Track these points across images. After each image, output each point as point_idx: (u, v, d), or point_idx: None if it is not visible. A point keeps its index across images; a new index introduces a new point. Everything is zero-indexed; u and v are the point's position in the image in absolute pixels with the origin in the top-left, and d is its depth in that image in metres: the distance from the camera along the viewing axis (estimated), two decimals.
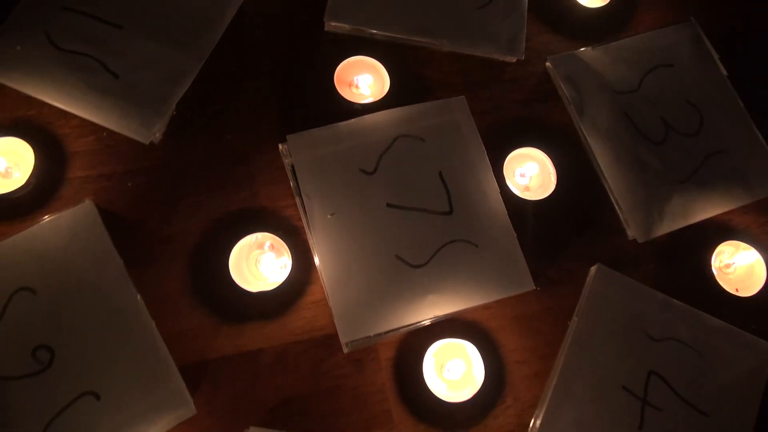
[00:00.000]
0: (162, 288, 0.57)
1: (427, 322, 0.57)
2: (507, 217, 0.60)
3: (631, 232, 0.63)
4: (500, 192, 0.61)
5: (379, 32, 0.66)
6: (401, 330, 0.57)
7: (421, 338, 0.58)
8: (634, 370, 0.58)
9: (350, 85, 0.65)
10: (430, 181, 0.61)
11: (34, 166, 0.59)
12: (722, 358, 0.59)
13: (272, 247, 0.59)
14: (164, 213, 0.59)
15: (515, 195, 0.63)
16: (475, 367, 0.57)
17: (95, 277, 0.55)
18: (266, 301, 0.57)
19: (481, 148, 0.63)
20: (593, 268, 0.61)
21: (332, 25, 0.66)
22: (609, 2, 0.71)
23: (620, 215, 0.63)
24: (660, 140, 0.66)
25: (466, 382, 0.57)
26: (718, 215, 0.64)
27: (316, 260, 0.58)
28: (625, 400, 0.57)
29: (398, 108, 0.63)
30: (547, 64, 0.68)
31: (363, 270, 0.58)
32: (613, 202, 0.64)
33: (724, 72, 0.69)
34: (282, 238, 0.59)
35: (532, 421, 0.56)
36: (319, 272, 0.58)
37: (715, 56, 0.69)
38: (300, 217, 0.60)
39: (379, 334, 0.56)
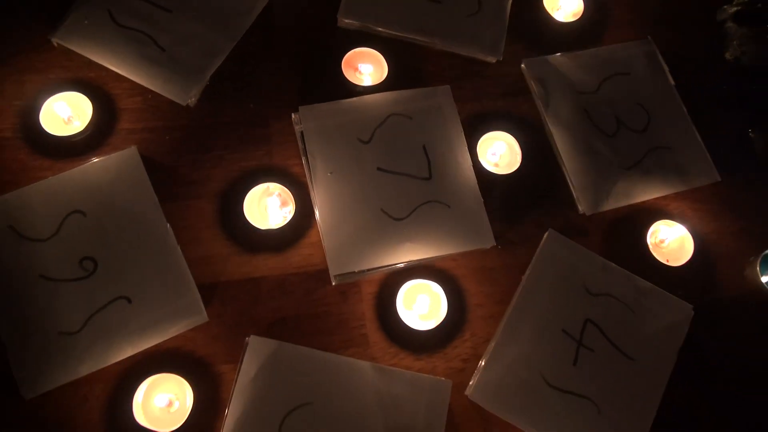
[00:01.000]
0: (187, 220, 0.69)
1: (402, 265, 0.69)
2: (476, 185, 0.73)
3: (581, 207, 0.74)
4: (473, 166, 0.74)
5: (383, 29, 0.79)
6: (381, 269, 0.69)
7: (397, 278, 0.69)
8: (573, 317, 0.69)
9: (355, 70, 0.78)
10: (415, 152, 0.74)
11: (91, 117, 0.71)
12: (650, 314, 0.70)
13: (280, 195, 0.71)
14: (193, 162, 0.72)
15: (486, 170, 0.75)
16: (440, 303, 0.68)
17: (134, 207, 0.68)
18: (272, 238, 0.69)
19: (460, 128, 0.75)
20: (546, 233, 0.72)
21: (344, 21, 0.79)
22: (579, 19, 0.84)
23: (573, 192, 0.75)
24: (612, 133, 0.78)
25: (431, 315, 0.68)
26: (657, 199, 0.76)
27: (316, 209, 0.70)
28: (564, 340, 0.68)
29: (393, 91, 0.76)
30: (522, 65, 0.80)
31: (353, 219, 0.70)
32: (568, 180, 0.75)
33: (672, 82, 0.81)
34: (289, 189, 0.71)
35: (487, 352, 0.67)
36: (316, 219, 0.70)
37: (666, 69, 0.82)
38: (305, 174, 0.72)
39: (363, 271, 0.68)
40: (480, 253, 0.72)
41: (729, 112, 0.83)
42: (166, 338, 0.64)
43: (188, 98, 0.73)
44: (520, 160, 0.75)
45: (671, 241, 0.74)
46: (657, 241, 0.75)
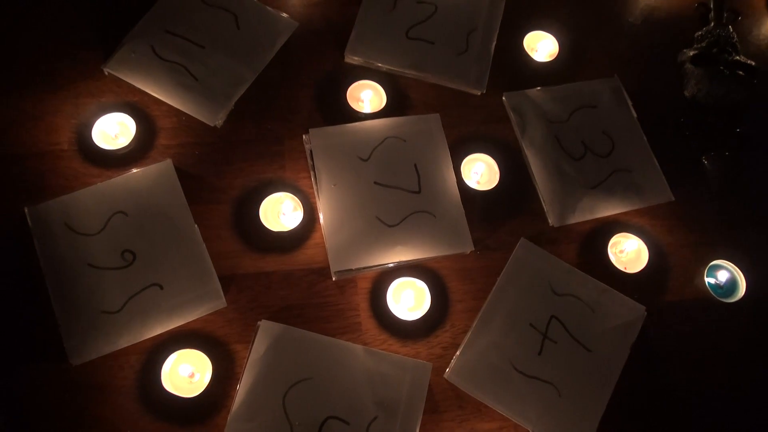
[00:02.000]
0: (211, 221, 0.81)
1: (393, 265, 0.81)
2: (459, 198, 0.84)
3: (551, 219, 0.85)
4: (457, 183, 0.85)
5: (382, 65, 0.92)
6: (375, 268, 0.80)
7: (388, 275, 0.81)
8: (539, 313, 0.80)
9: (358, 99, 0.91)
10: (407, 169, 0.86)
11: (135, 134, 0.85)
12: (607, 313, 0.81)
13: (290, 203, 0.83)
14: (218, 172, 0.84)
15: (469, 186, 0.87)
16: (424, 298, 0.80)
17: (168, 209, 0.80)
18: (282, 239, 0.81)
19: (447, 150, 0.87)
20: (519, 241, 0.83)
21: (350, 58, 0.93)
22: (554, 59, 0.96)
23: (544, 206, 0.86)
24: (579, 157, 0.89)
25: (417, 308, 0.79)
26: (619, 214, 0.87)
27: (320, 215, 0.82)
28: (531, 333, 0.79)
29: (390, 118, 0.88)
30: (503, 97, 0.93)
31: (352, 224, 0.82)
32: (540, 196, 0.87)
33: (635, 115, 0.93)
34: (298, 198, 0.83)
35: (464, 341, 0.78)
36: (320, 224, 0.82)
37: (629, 103, 0.94)
38: (312, 185, 0.84)
39: (359, 269, 0.80)
40: (461, 256, 0.83)
41: (685, 142, 0.94)
42: (190, 320, 0.76)
43: (216, 120, 0.86)
44: (498, 179, 0.87)
45: (629, 251, 0.85)
46: (617, 250, 0.85)
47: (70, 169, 0.82)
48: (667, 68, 0.99)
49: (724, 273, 0.85)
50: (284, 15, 0.94)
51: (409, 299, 0.79)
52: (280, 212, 0.83)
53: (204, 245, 0.79)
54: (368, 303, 0.80)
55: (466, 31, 0.96)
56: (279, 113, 0.89)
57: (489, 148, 0.89)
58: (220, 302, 0.77)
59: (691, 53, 0.98)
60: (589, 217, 0.86)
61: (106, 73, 0.87)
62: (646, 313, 0.80)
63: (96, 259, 0.77)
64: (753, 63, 0.97)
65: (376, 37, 0.94)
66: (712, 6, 1.03)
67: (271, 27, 0.93)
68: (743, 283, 0.84)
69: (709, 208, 0.90)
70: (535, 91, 0.93)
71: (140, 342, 0.74)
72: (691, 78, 0.96)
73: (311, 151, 0.85)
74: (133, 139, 0.84)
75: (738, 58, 0.97)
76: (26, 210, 0.78)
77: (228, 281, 0.78)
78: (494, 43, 0.96)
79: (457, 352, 0.77)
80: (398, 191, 0.84)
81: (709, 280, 0.84)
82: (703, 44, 0.99)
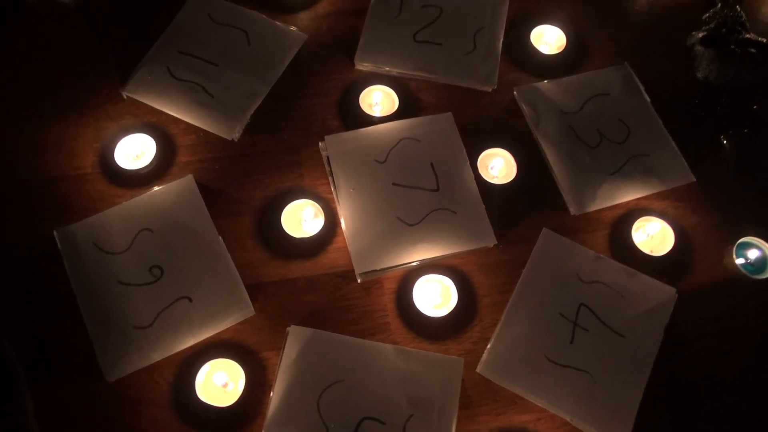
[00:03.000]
0: (234, 233, 0.82)
1: (417, 263, 0.81)
2: (478, 193, 0.85)
3: (571, 209, 0.85)
4: (475, 179, 0.86)
5: (392, 70, 0.94)
6: (399, 267, 0.81)
7: (413, 274, 0.81)
8: (568, 302, 0.79)
9: (370, 104, 0.92)
10: (424, 169, 0.86)
11: (155, 153, 0.87)
12: (637, 297, 0.80)
13: (311, 209, 0.84)
14: (239, 185, 0.86)
15: (487, 181, 0.87)
16: (451, 294, 0.79)
17: (192, 223, 0.82)
18: (304, 245, 0.82)
19: (462, 147, 0.88)
20: (541, 232, 0.83)
21: (360, 65, 0.94)
22: (562, 51, 0.97)
23: (564, 196, 0.86)
24: (595, 145, 0.89)
25: (443, 304, 0.79)
26: (641, 199, 0.87)
27: (341, 220, 0.83)
28: (561, 322, 0.78)
29: (403, 120, 0.89)
30: (514, 93, 0.93)
31: (373, 226, 0.82)
32: (559, 187, 0.87)
33: (648, 99, 0.93)
34: (318, 204, 0.84)
35: (493, 335, 0.77)
36: (342, 228, 0.83)
37: (642, 88, 0.94)
38: (331, 191, 0.85)
39: (383, 269, 0.80)
40: (484, 251, 0.83)
41: (701, 124, 0.93)
42: (220, 330, 0.76)
43: (233, 134, 0.88)
44: (515, 172, 0.87)
45: (654, 234, 0.84)
46: (642, 234, 0.85)
47: (95, 191, 0.84)
48: (677, 52, 0.99)
49: (753, 251, 0.84)
50: (293, 29, 0.96)
51: (435, 296, 0.79)
52: (301, 219, 0.84)
53: (229, 256, 0.80)
54: (395, 303, 0.80)
55: (473, 30, 0.97)
56: (294, 123, 0.90)
57: (504, 142, 0.89)
58: (249, 311, 0.77)
59: (700, 35, 0.98)
60: (609, 203, 0.86)
61: (125, 97, 0.90)
62: (677, 294, 0.80)
63: (125, 276, 0.78)
64: (764, 40, 0.96)
65: (384, 42, 0.95)
66: None
67: (280, 41, 0.95)
68: None
69: (731, 187, 0.89)
70: (546, 84, 0.94)
71: (173, 354, 0.75)
72: (702, 60, 0.96)
73: (328, 158, 0.86)
74: (154, 158, 0.86)
75: (748, 36, 0.96)
76: (55, 233, 0.80)
77: (255, 290, 0.79)
78: (501, 40, 0.96)
79: (488, 346, 0.76)
80: (417, 191, 0.85)
81: (738, 259, 0.83)
82: (712, 26, 0.98)
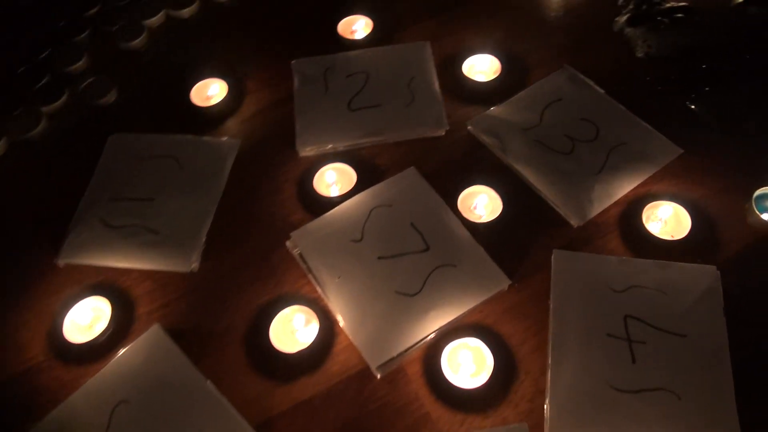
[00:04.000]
0: (224, 371, 0.71)
1: (434, 335, 0.71)
2: (471, 238, 0.76)
3: (573, 221, 0.78)
4: (462, 223, 0.78)
5: (338, 146, 0.88)
6: (417, 346, 0.70)
7: (434, 348, 0.70)
8: (611, 319, 0.70)
9: (328, 186, 0.85)
10: (406, 232, 0.78)
11: (111, 313, 0.75)
12: (680, 289, 0.71)
13: (301, 316, 0.74)
14: (214, 316, 0.75)
15: (475, 223, 0.79)
16: (484, 356, 0.69)
17: (172, 377, 0.70)
18: (306, 357, 0.71)
19: (437, 197, 0.80)
20: (553, 254, 0.75)
21: (304, 151, 0.88)
22: (500, 74, 0.93)
23: (560, 211, 0.79)
24: (569, 150, 0.84)
25: (480, 370, 0.68)
26: (638, 188, 0.80)
27: (337, 316, 0.73)
28: (613, 343, 0.68)
29: (367, 190, 0.82)
30: (469, 127, 0.88)
31: (373, 310, 0.72)
32: (551, 204, 0.80)
33: (602, 91, 0.89)
34: (307, 307, 0.74)
35: (547, 383, 0.67)
36: (340, 324, 0.72)
37: (591, 83, 0.90)
38: (316, 289, 0.76)
39: (401, 353, 0.69)
40: (500, 296, 0.73)
41: (662, 96, 0.89)
42: None
43: (190, 265, 0.78)
44: (501, 204, 0.80)
45: (668, 218, 0.77)
46: (656, 223, 0.77)
47: (53, 381, 0.72)
48: (611, 40, 0.97)
49: None
50: (224, 138, 0.90)
51: (468, 364, 0.68)
52: (293, 330, 0.73)
53: (224, 399, 0.68)
54: (427, 387, 0.68)
55: (405, 82, 0.93)
56: (254, 231, 0.82)
57: (479, 178, 0.82)
58: None
59: (624, 18, 0.96)
60: (609, 202, 0.79)
61: (61, 265, 0.80)
62: (718, 272, 0.71)
63: None
64: (685, 3, 0.95)
65: (321, 121, 0.90)
66: None
67: (214, 154, 0.88)
68: None
69: (720, 146, 0.84)
70: (498, 108, 0.89)
71: None
72: (637, 39, 0.94)
73: (301, 255, 0.77)
74: (110, 320, 0.75)
75: (669, 5, 0.96)
76: None
77: (267, 427, 0.67)
78: (437, 83, 0.92)
79: (546, 399, 0.65)
80: (407, 257, 0.76)
81: (763, 213, 0.76)
82: (631, 6, 0.98)
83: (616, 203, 0.79)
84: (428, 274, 0.74)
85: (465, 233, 0.77)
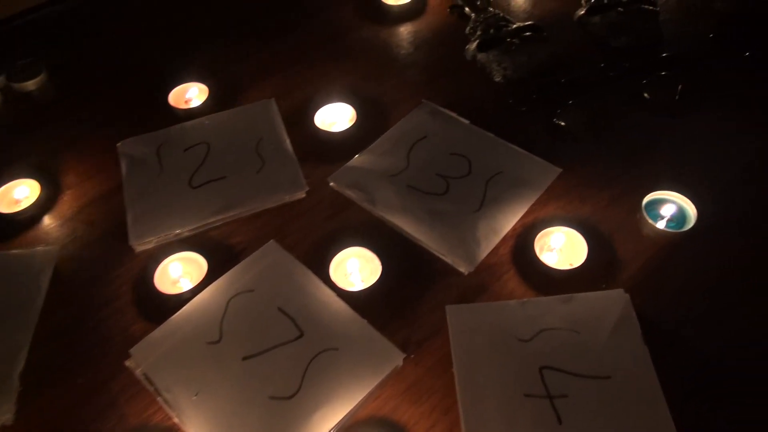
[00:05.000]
0: None
1: None
2: (351, 310, 0.65)
3: (462, 269, 0.68)
4: (338, 295, 0.66)
5: (182, 231, 0.74)
6: None
7: None
8: (526, 375, 0.60)
9: (174, 282, 0.70)
10: (274, 319, 0.65)
11: None
12: (591, 322, 0.63)
13: None
14: None
15: (352, 291, 0.67)
16: None
17: None
18: None
19: (304, 269, 0.68)
20: (447, 311, 0.64)
21: (140, 246, 0.73)
22: (356, 122, 0.84)
23: (446, 260, 0.69)
24: (444, 191, 0.75)
25: None
26: (525, 218, 0.72)
27: None
28: (534, 405, 0.58)
29: (220, 278, 0.68)
30: (330, 183, 0.77)
31: (244, 425, 0.58)
32: (436, 253, 0.70)
33: (467, 121, 0.82)
34: None
35: None
36: None
37: (454, 114, 0.83)
38: (169, 414, 0.60)
39: None
40: (397, 374, 0.61)
41: (529, 118, 0.84)
42: None
43: (2, 419, 0.60)
44: (380, 265, 0.69)
45: (561, 246, 0.69)
46: (551, 254, 0.69)
47: None
48: (465, 71, 0.91)
49: (665, 207, 0.71)
50: (37, 248, 0.73)
51: None
52: None
53: None
54: None
55: (252, 146, 0.81)
56: (86, 355, 0.65)
57: (350, 240, 0.71)
58: None
59: (474, 45, 0.91)
60: (496, 239, 0.70)
61: None
62: (627, 294, 0.64)
63: None
64: (531, 22, 0.93)
65: (158, 207, 0.76)
66: (461, 2, 0.99)
67: (25, 269, 0.71)
68: (691, 209, 0.72)
69: (597, 157, 0.79)
70: (359, 158, 0.79)
71: None
72: (491, 64, 0.89)
73: (145, 375, 0.62)
74: None
75: (515, 25, 0.92)
76: None
77: None
78: (288, 141, 0.82)
79: None
80: (277, 350, 0.63)
81: (657, 222, 0.70)
82: (479, 32, 0.93)
83: (504, 239, 0.71)
84: (306, 366, 0.61)
85: (343, 307, 0.65)
